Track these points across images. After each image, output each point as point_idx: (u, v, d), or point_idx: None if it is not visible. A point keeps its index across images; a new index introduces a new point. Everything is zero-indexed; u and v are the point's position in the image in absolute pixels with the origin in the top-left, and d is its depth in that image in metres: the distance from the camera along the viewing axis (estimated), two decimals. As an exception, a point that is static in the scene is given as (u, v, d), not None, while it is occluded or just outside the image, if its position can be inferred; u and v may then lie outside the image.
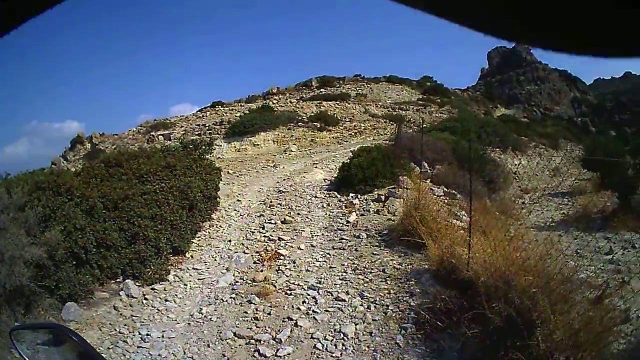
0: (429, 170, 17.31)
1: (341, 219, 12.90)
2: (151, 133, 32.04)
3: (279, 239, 11.82)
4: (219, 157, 25.08)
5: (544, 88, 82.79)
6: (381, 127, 32.44)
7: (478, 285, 6.86)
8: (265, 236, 12.14)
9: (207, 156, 15.87)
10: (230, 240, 12.10)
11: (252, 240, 12.03)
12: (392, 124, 31.79)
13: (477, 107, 57.36)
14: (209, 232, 12.78)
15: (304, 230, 12.27)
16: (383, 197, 13.88)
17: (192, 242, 11.90)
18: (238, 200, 15.61)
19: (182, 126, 33.51)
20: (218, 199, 14.79)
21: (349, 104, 39.67)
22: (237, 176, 20.01)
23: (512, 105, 74.28)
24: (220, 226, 13.29)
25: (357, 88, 49.63)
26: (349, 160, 16.23)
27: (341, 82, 53.22)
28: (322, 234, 12.08)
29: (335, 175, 16.95)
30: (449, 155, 19.32)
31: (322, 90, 47.23)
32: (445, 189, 15.51)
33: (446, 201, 13.88)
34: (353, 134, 31.18)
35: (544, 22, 0.47)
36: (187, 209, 11.96)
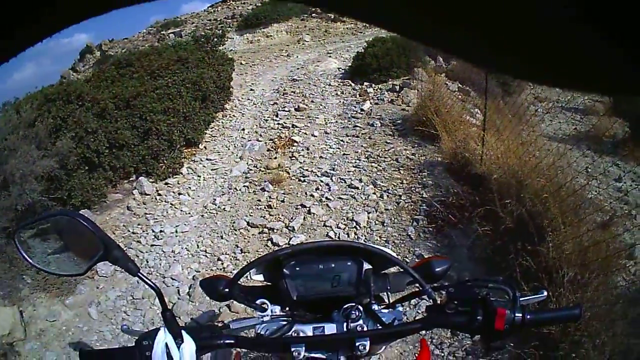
0: (444, 65, 16.83)
1: (355, 107, 12.54)
2: (162, 32, 31.41)
3: (293, 126, 11.52)
4: (231, 49, 24.47)
5: None
6: None
7: (491, 182, 6.68)
8: (279, 124, 11.85)
9: (219, 48, 15.33)
10: (243, 129, 11.83)
11: (265, 128, 11.75)
12: None
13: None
14: (222, 122, 12.49)
15: (317, 118, 11.93)
16: (397, 87, 13.48)
17: (206, 133, 11.65)
18: (251, 90, 15.26)
19: (193, 23, 32.78)
20: (231, 89, 14.43)
21: None
22: (250, 66, 19.52)
23: None
24: (233, 116, 13.00)
25: None
26: (363, 50, 15.80)
27: None
28: (336, 122, 11.75)
29: (350, 64, 16.48)
30: None
31: None
32: (460, 85, 15.15)
33: (460, 97, 13.44)
34: (368, 25, 29.78)
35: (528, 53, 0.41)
36: (200, 100, 11.65)
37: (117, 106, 9.63)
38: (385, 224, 7.11)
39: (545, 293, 1.59)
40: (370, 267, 1.76)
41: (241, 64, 19.58)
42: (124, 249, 5.56)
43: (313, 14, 30.11)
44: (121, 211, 8.46)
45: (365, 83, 14.46)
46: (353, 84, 14.66)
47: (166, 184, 9.39)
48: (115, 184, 9.20)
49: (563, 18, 0.34)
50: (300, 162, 9.49)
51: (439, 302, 1.66)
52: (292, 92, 14.52)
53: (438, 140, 9.12)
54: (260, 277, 1.85)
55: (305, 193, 8.27)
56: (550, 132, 15.50)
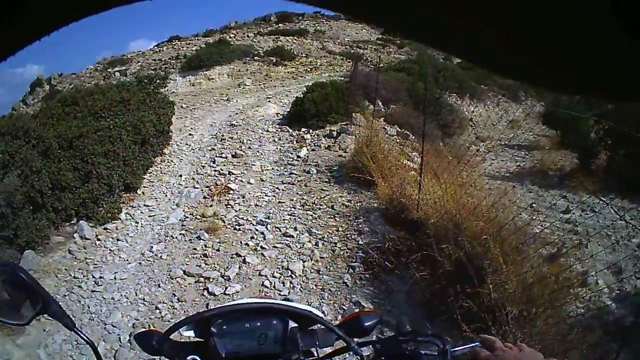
0: (383, 109, 17.10)
1: (292, 154, 12.77)
2: (108, 70, 31.46)
3: (229, 173, 11.67)
4: (173, 92, 24.51)
5: None
6: (337, 64, 31.98)
7: (428, 227, 6.78)
8: (215, 170, 11.98)
9: (161, 90, 15.47)
10: (181, 175, 11.92)
11: (202, 174, 11.86)
12: (348, 62, 31.30)
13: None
14: (160, 167, 12.55)
15: (254, 164, 12.13)
16: (335, 133, 13.73)
17: (144, 178, 11.69)
18: (190, 134, 15.37)
19: (138, 62, 32.90)
20: (171, 133, 14.53)
21: (306, 39, 39.12)
22: (191, 110, 19.64)
23: None
24: (171, 161, 13.08)
25: (316, 25, 48.91)
26: (302, 95, 15.99)
27: (300, 18, 52.40)
28: (273, 168, 11.98)
29: (288, 110, 16.70)
30: (404, 95, 19.04)
31: (280, 25, 46.54)
32: (399, 129, 15.37)
33: (399, 141, 13.80)
34: (309, 69, 30.64)
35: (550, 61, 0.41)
36: (140, 144, 11.71)
37: (60, 146, 9.68)
38: (320, 272, 7.27)
39: (479, 342, 1.57)
40: (295, 325, 1.84)
41: (182, 107, 19.73)
42: (66, 293, 5.71)
43: (255, 57, 30.42)
44: (63, 254, 8.46)
45: (303, 129, 14.64)
46: (291, 130, 14.89)
47: (105, 229, 9.40)
48: (57, 226, 9.19)
49: (600, 25, 0.37)
50: (236, 210, 9.65)
51: (367, 358, 1.74)
52: (230, 137, 14.69)
53: (374, 187, 9.34)
54: (191, 334, 1.93)
55: (241, 242, 8.40)
56: (493, 171, 15.62)
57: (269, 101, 20.03)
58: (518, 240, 5.87)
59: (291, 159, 12.39)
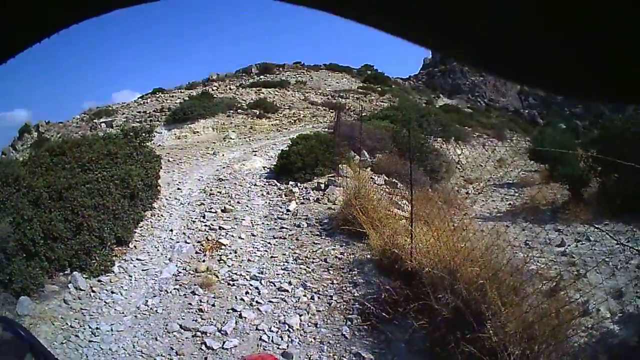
0: (369, 159, 17.28)
1: (281, 208, 12.91)
2: (94, 121, 31.34)
3: (220, 227, 11.76)
4: (159, 145, 24.64)
5: (489, 79, 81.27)
6: (321, 115, 32.31)
7: (422, 276, 6.87)
8: (206, 225, 12.06)
9: (147, 144, 15.60)
10: (172, 230, 11.98)
11: (193, 229, 11.92)
12: (331, 112, 31.46)
13: (419, 96, 56.22)
14: (151, 222, 12.61)
15: (244, 219, 12.23)
16: (323, 186, 13.86)
17: (135, 231, 11.74)
18: (178, 189, 15.44)
19: (123, 113, 32.73)
20: (159, 187, 14.59)
21: (288, 91, 39.35)
22: (178, 164, 19.70)
23: (455, 95, 73.24)
24: (161, 215, 13.13)
25: (297, 75, 49.40)
26: (287, 148, 16.17)
27: (281, 69, 53.13)
28: (263, 223, 12.08)
29: (275, 163, 16.81)
30: (389, 143, 19.19)
31: (261, 77, 46.99)
32: (387, 178, 15.53)
33: (387, 190, 13.93)
34: (292, 121, 30.95)
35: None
36: (129, 198, 11.78)
37: (50, 196, 9.77)
38: (318, 326, 7.34)
39: None
40: None
41: (169, 161, 19.84)
42: (63, 341, 5.89)
43: (239, 110, 30.52)
44: (58, 303, 8.47)
45: (291, 182, 14.81)
46: (278, 184, 15.03)
47: (99, 281, 9.44)
48: (51, 275, 9.20)
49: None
50: (229, 265, 9.73)
51: None
52: (218, 192, 14.79)
53: (366, 238, 9.43)
54: None
55: (235, 297, 8.48)
56: (485, 213, 15.79)
57: (255, 154, 20.22)
58: (515, 280, 5.95)
59: (281, 213, 12.52)
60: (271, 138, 25.87)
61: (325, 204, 12.83)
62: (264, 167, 17.56)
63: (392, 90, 49.86)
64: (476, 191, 19.86)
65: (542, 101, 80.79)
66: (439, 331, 6.03)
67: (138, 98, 40.61)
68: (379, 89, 47.24)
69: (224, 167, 18.29)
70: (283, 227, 11.57)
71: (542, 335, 5.08)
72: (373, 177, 15.17)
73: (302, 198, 13.54)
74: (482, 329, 5.36)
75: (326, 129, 22.19)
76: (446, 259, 6.72)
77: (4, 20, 0.49)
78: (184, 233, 11.73)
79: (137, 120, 29.05)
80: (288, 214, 12.37)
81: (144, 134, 15.99)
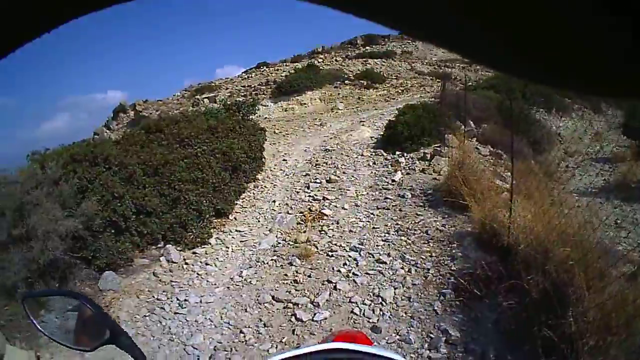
0: (474, 129, 16.75)
1: (386, 178, 12.56)
2: (196, 97, 31.88)
3: (324, 198, 11.54)
4: (266, 117, 24.97)
5: None
6: (428, 85, 31.49)
7: (517, 253, 6.58)
8: (310, 196, 11.88)
9: (251, 117, 15.54)
10: (274, 201, 11.87)
11: (296, 200, 11.77)
12: (438, 82, 30.07)
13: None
14: (253, 193, 12.58)
15: (349, 190, 11.96)
16: (429, 156, 13.50)
17: (236, 203, 11.76)
18: (284, 160, 15.36)
19: (227, 88, 33.20)
20: (263, 159, 14.59)
21: (394, 61, 38.85)
22: (284, 136, 19.69)
23: None
24: (265, 186, 13.08)
25: (403, 46, 48.78)
26: (394, 118, 15.82)
27: (386, 39, 52.32)
28: (367, 193, 11.77)
29: (382, 133, 16.48)
30: (494, 113, 18.68)
31: (367, 48, 46.60)
32: (492, 149, 15.06)
33: (492, 161, 13.55)
34: (400, 91, 30.38)
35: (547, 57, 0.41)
36: (231, 170, 11.78)
37: (145, 172, 9.84)
38: (411, 299, 7.05)
39: None
40: None
41: (274, 133, 19.87)
42: (147, 314, 5.68)
43: (346, 82, 30.34)
44: (147, 276, 8.52)
45: (397, 152, 14.48)
46: (385, 154, 14.71)
47: (194, 253, 9.42)
48: (142, 249, 9.27)
49: (590, 16, 0.36)
50: (329, 236, 9.47)
51: None
52: (324, 162, 14.61)
53: (468, 210, 9.06)
54: None
55: (333, 268, 8.23)
56: (582, 187, 15.67)
57: (363, 125, 19.90)
58: (603, 264, 5.60)
59: (386, 183, 12.17)
60: (379, 108, 25.35)
61: (431, 174, 12.39)
62: (371, 137, 17.21)
63: None
64: (575, 165, 19.27)
65: None
66: (526, 313, 5.75)
67: (242, 73, 41.01)
68: None
69: (331, 138, 18.12)
70: (387, 198, 11.18)
71: (616, 326, 4.72)
72: (478, 147, 14.68)
73: (407, 168, 13.13)
74: (564, 314, 5.05)
75: (433, 99, 21.81)
76: (541, 237, 6.38)
77: (8, 10, 0.43)
78: (286, 204, 11.60)
79: (242, 94, 29.46)
80: (393, 184, 11.99)
81: (247, 108, 15.93)
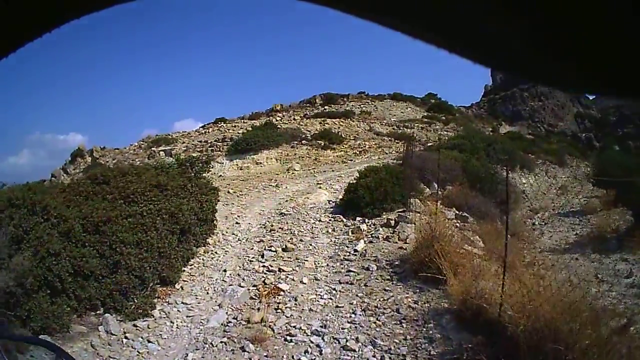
0: (438, 191, 16.11)
1: (348, 247, 11.75)
2: (152, 148, 31.32)
3: (280, 269, 10.62)
4: (220, 175, 24.52)
5: (547, 104, 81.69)
6: (386, 146, 31.68)
7: (516, 333, 5.88)
8: (264, 266, 10.93)
9: (204, 175, 14.54)
10: (225, 270, 10.93)
11: (249, 270, 10.83)
12: (397, 143, 31.37)
13: (482, 124, 56.89)
14: (203, 260, 11.64)
15: (307, 260, 11.07)
16: (393, 222, 12.80)
17: (184, 270, 10.81)
18: (237, 223, 14.50)
19: (184, 142, 32.78)
20: (215, 221, 13.61)
21: (353, 121, 39.18)
22: (238, 196, 18.95)
23: (515, 122, 73.93)
24: (215, 252, 12.15)
25: (362, 105, 49.29)
26: (355, 181, 15.28)
27: (345, 99, 52.85)
28: (328, 265, 10.88)
29: (341, 196, 15.88)
30: (459, 174, 18.32)
31: (326, 107, 46.93)
32: (457, 212, 14.52)
33: (458, 225, 12.97)
34: (358, 152, 30.36)
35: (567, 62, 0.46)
36: (179, 233, 10.83)
37: (85, 228, 8.90)
38: None
39: None
40: None
41: (229, 192, 19.14)
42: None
43: (303, 141, 30.05)
44: (84, 347, 7.49)
45: (358, 218, 13.78)
46: (345, 220, 13.98)
47: (135, 326, 8.39)
48: (80, 315, 8.23)
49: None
50: (287, 316, 8.45)
51: None
52: (280, 228, 13.72)
53: (442, 283, 8.27)
54: None
55: (292, 357, 7.20)
56: (555, 244, 15.58)
57: (320, 187, 19.35)
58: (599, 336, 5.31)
59: (348, 253, 11.30)
60: (336, 170, 25.17)
61: (396, 242, 11.65)
62: (329, 201, 16.66)
63: (456, 119, 50.63)
64: (543, 221, 19.92)
65: (597, 124, 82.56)
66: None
67: (199, 127, 40.37)
68: (443, 118, 47.76)
69: (286, 201, 17.49)
70: (350, 271, 10.30)
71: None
72: (443, 210, 13.96)
73: (370, 236, 12.40)
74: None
75: (394, 160, 21.71)
76: (546, 315, 5.72)
77: (5, 13, 0.48)
78: (238, 274, 10.68)
79: (198, 149, 29.10)
80: (356, 255, 11.15)
81: (200, 165, 14.95)
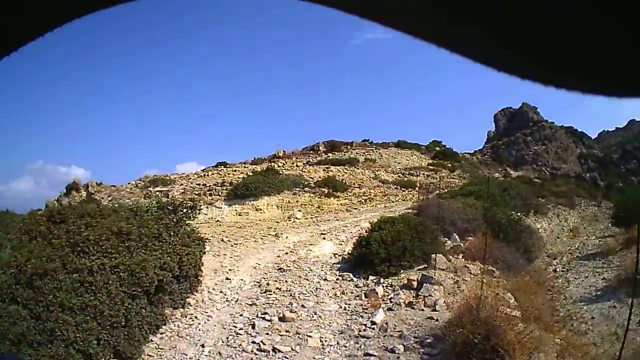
0: (460, 244, 14.18)
1: (362, 317, 8.80)
2: (149, 188, 29.21)
3: (274, 349, 7.54)
4: (218, 220, 23.14)
5: (550, 147, 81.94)
6: (392, 194, 30.18)
7: None
8: (254, 342, 7.83)
9: (189, 222, 11.48)
10: (203, 345, 7.83)
11: (235, 347, 7.71)
12: (403, 191, 30.34)
13: (488, 170, 55.87)
14: (178, 327, 8.62)
15: (310, 336, 8.02)
16: (415, 283, 10.14)
17: (151, 341, 7.86)
18: (227, 279, 11.70)
19: (182, 184, 30.49)
20: (200, 276, 10.77)
21: (357, 169, 37.61)
22: (232, 245, 16.09)
23: (519, 166, 73.62)
24: (195, 317, 9.14)
25: (366, 153, 48.01)
26: (366, 233, 12.71)
27: (349, 147, 51.73)
28: (338, 343, 7.82)
29: (349, 250, 13.14)
30: (480, 223, 16.47)
31: (329, 154, 45.48)
32: (482, 265, 11.83)
33: (485, 281, 10.08)
34: (363, 200, 28.51)
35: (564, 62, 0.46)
36: (145, 296, 7.92)
37: (17, 280, 6.53)
38: None
39: None
40: None
41: (222, 240, 16.70)
42: None
43: (306, 188, 28.23)
44: None
45: (372, 277, 11.27)
46: (355, 279, 11.34)
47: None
48: None
49: (575, 12, 0.38)
50: None
51: None
52: (277, 288, 10.78)
53: None
54: None
55: None
56: (584, 292, 13.95)
57: (324, 238, 16.83)
58: None
59: (363, 327, 8.31)
60: (341, 219, 22.70)
61: (422, 309, 8.91)
62: (334, 255, 14.05)
63: (462, 165, 50.14)
64: (563, 267, 18.27)
65: (600, 163, 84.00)
66: None
67: (200, 170, 38.48)
68: (449, 165, 46.92)
69: (286, 253, 14.68)
70: (369, 354, 7.23)
71: None
72: (467, 265, 12.09)
73: (389, 301, 9.54)
74: None
75: (410, 210, 19.45)
76: None
77: (7, 11, 0.48)
78: (219, 353, 7.59)
79: (196, 192, 27.21)
80: (373, 329, 8.17)
81: (185, 209, 11.90)
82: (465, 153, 72.76)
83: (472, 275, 11.21)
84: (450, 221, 14.18)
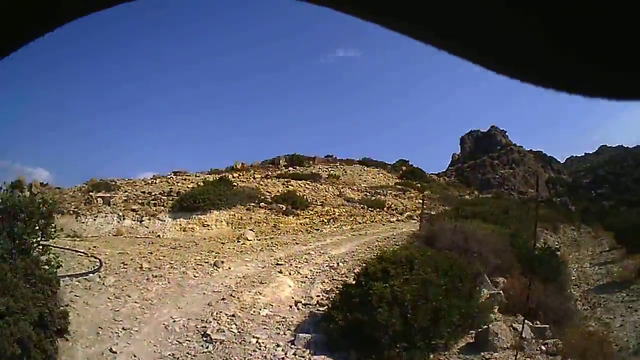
0: (500, 292, 10.24)
1: None
2: (91, 193, 25.42)
3: None
4: (158, 235, 19.36)
5: (518, 171, 79.35)
6: (359, 214, 25.31)
7: None
8: None
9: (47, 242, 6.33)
10: None
11: None
12: (370, 211, 26.50)
13: (458, 192, 51.55)
14: None
15: None
16: None
17: None
18: (111, 351, 6.21)
19: (126, 191, 25.93)
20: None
21: (320, 184, 32.79)
22: (151, 278, 10.29)
23: (485, 190, 70.13)
24: None
25: (329, 169, 43.25)
26: (362, 280, 7.54)
27: (312, 162, 46.87)
28: None
29: (317, 293, 9.12)
30: (509, 256, 12.06)
31: (290, 169, 40.69)
32: (529, 323, 8.37)
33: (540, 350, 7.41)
34: (326, 220, 23.53)
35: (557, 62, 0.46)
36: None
37: None
38: None
39: None
40: None
41: (140, 268, 11.05)
42: None
43: (262, 204, 24.74)
44: None
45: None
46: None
47: None
48: None
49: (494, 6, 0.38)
50: None
51: None
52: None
53: None
54: None
55: None
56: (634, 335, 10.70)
57: (280, 272, 11.19)
58: None
59: None
60: (301, 242, 17.05)
61: None
62: (296, 304, 8.84)
63: (431, 186, 45.45)
64: (587, 302, 14.64)
65: (569, 187, 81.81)
66: None
67: (149, 177, 33.28)
68: (418, 185, 42.40)
69: (223, 298, 9.16)
70: None
71: None
72: (513, 325, 8.31)
73: None
74: None
75: (415, 239, 14.03)
76: None
77: (5, 13, 0.47)
78: None
79: (139, 201, 23.77)
80: None
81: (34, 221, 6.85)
82: (432, 174, 69.23)
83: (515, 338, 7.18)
84: (477, 254, 9.87)
